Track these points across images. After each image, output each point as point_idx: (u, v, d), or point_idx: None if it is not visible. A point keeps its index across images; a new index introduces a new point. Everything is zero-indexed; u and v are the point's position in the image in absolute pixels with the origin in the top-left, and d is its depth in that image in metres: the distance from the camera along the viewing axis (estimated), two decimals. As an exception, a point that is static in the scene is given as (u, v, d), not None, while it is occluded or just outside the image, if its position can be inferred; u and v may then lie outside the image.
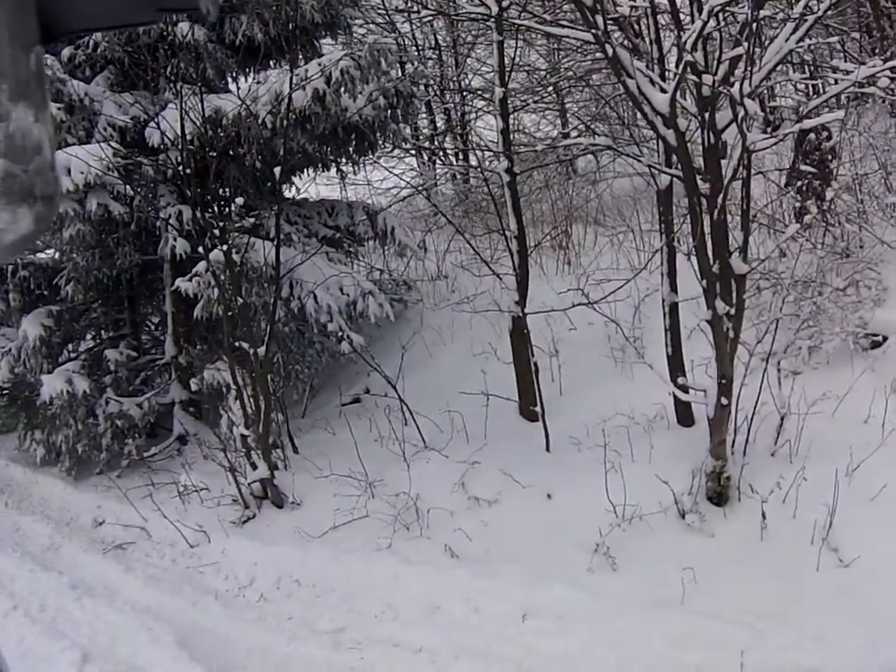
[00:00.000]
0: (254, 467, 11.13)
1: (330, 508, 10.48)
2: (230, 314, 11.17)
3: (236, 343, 11.16)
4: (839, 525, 8.61)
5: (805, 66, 15.95)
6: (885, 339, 11.24)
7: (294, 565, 10.00)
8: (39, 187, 1.15)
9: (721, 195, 8.92)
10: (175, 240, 12.26)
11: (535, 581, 8.76)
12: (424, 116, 21.63)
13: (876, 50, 14.94)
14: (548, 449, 11.17)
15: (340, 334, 12.32)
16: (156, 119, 12.00)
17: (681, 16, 9.61)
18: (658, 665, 7.66)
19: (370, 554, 9.81)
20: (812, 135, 12.90)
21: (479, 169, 16.41)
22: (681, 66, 8.41)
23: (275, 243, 11.45)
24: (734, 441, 9.80)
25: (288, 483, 11.28)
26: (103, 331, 14.93)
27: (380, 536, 10.02)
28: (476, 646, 8.31)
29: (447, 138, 22.64)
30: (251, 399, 11.20)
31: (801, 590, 8.18)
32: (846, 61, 14.84)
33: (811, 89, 15.76)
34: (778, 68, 10.05)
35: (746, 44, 8.26)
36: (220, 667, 8.43)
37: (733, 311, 9.20)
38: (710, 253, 9.16)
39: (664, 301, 10.99)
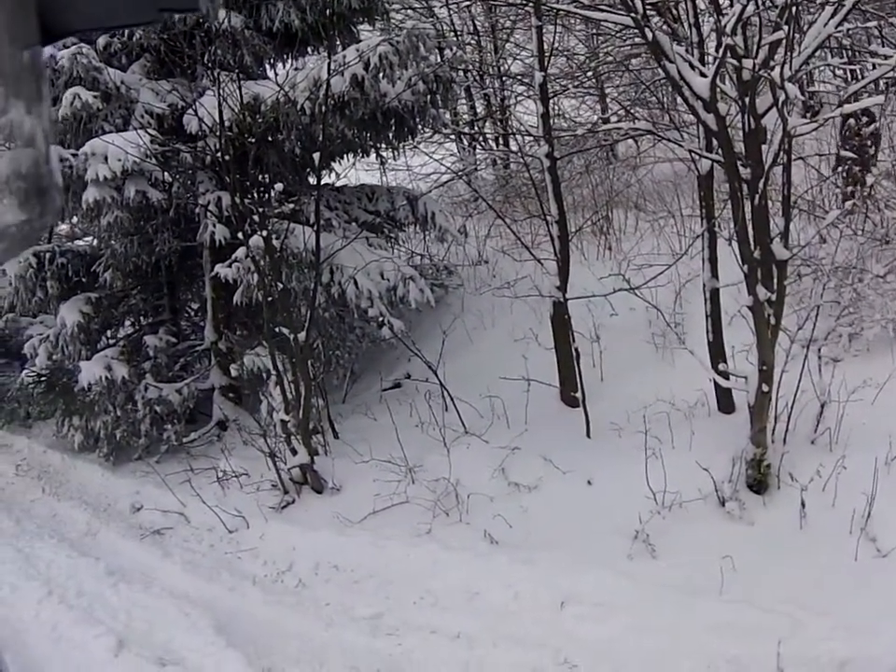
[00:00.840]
0: (294, 452, 11.14)
1: (370, 493, 10.51)
2: (269, 299, 11.20)
3: (276, 329, 11.18)
4: (878, 514, 8.55)
5: (844, 51, 15.84)
6: (925, 326, 11.16)
7: (333, 550, 10.01)
8: (32, 180, 1.14)
9: (762, 180, 8.90)
10: (214, 226, 12.28)
11: (574, 567, 8.74)
12: (463, 101, 21.62)
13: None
14: (588, 435, 11.16)
15: (380, 319, 12.30)
16: (194, 106, 12.00)
17: (720, 0, 9.56)
18: (696, 654, 7.63)
19: (409, 540, 9.81)
20: (851, 121, 12.84)
21: (519, 154, 16.39)
22: (721, 50, 8.36)
23: (315, 228, 11.45)
24: (774, 429, 9.74)
25: (328, 468, 11.30)
26: (142, 317, 15.01)
27: (420, 521, 10.02)
28: (515, 632, 8.29)
29: (487, 123, 22.58)
30: (291, 385, 11.21)
31: (838, 579, 8.13)
32: (883, 46, 14.75)
33: (849, 74, 15.67)
34: (817, 53, 9.98)
35: (785, 28, 8.23)
36: (258, 653, 8.43)
37: (774, 297, 9.17)
38: (751, 239, 9.12)
39: (705, 286, 10.95)
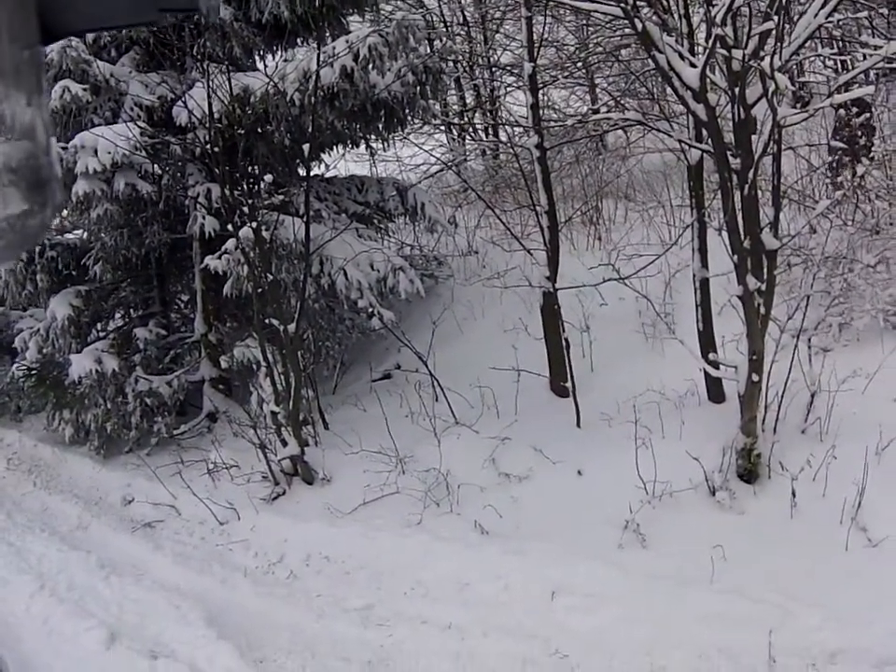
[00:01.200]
0: (284, 443, 11.14)
1: (361, 484, 10.52)
2: (259, 291, 11.18)
3: (266, 320, 11.18)
4: (868, 504, 8.60)
5: (834, 42, 15.86)
6: (916, 316, 11.19)
7: (324, 541, 10.02)
8: (32, 171, 1.14)
9: (752, 170, 8.90)
10: (203, 218, 12.25)
11: (565, 557, 8.76)
12: (453, 92, 21.59)
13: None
14: (578, 425, 11.17)
15: (370, 310, 12.26)
16: (183, 99, 11.97)
17: (710, -10, 9.56)
18: (687, 644, 7.67)
19: (400, 531, 9.83)
20: (842, 111, 12.86)
21: (509, 144, 16.40)
22: (711, 40, 8.37)
23: (305, 219, 11.43)
24: (764, 418, 9.77)
25: (319, 459, 11.30)
26: (132, 310, 14.96)
27: (410, 512, 10.05)
28: (505, 623, 8.33)
29: (476, 114, 22.56)
30: (281, 376, 11.21)
31: (829, 569, 8.18)
32: (874, 36, 14.76)
33: (840, 65, 15.68)
34: (807, 44, 10.00)
35: (775, 18, 8.24)
36: (249, 645, 8.46)
37: (763, 287, 9.19)
38: (741, 228, 9.13)
39: (694, 276, 10.98)
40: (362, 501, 10.39)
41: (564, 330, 11.53)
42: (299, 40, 13.98)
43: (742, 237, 9.10)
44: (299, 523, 10.40)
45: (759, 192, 9.49)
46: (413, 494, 10.21)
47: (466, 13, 21.50)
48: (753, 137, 9.03)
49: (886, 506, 8.58)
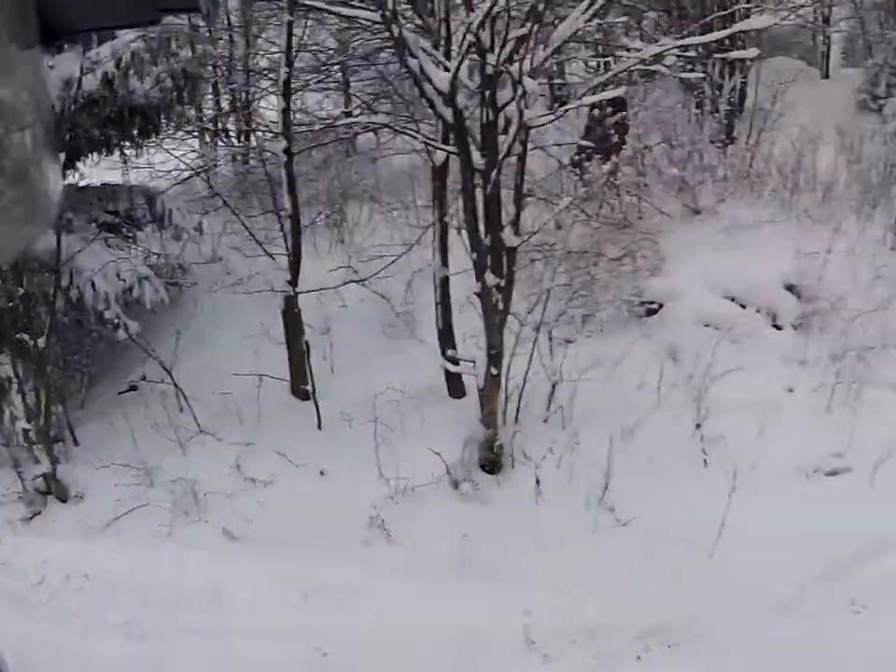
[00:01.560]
0: (36, 461, 10.97)
1: (112, 498, 10.46)
2: (10, 304, 10.98)
3: (17, 335, 10.98)
4: (615, 486, 8.90)
5: (598, 45, 16.23)
6: (661, 306, 11.58)
7: (81, 559, 9.83)
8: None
9: (496, 170, 9.12)
10: (-49, 232, 11.95)
11: (314, 558, 8.80)
12: (210, 96, 21.35)
13: (672, 29, 15.29)
14: (319, 427, 11.34)
15: (116, 321, 12.16)
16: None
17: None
18: (442, 632, 7.75)
19: (151, 543, 9.79)
20: (596, 111, 13.17)
21: (257, 149, 16.35)
22: (465, 46, 8.57)
23: (56, 231, 11.27)
24: (505, 410, 10.05)
25: (71, 475, 11.18)
26: None
27: (160, 524, 10.03)
28: (262, 626, 8.31)
29: (231, 119, 22.37)
30: (32, 392, 11.03)
31: (580, 550, 8.46)
32: (641, 39, 15.17)
33: (603, 66, 16.04)
34: (572, 46, 10.28)
35: (528, 24, 8.50)
36: (13, 669, 8.29)
37: (503, 283, 9.39)
38: (482, 227, 9.33)
39: (435, 275, 11.15)
40: (114, 516, 10.34)
41: (304, 333, 11.70)
42: (65, 46, 13.69)
43: (483, 235, 9.30)
44: (55, 542, 10.21)
45: (503, 191, 9.71)
46: (161, 505, 10.21)
47: (232, 17, 21.30)
48: (501, 138, 9.26)
49: (633, 487, 8.92)
